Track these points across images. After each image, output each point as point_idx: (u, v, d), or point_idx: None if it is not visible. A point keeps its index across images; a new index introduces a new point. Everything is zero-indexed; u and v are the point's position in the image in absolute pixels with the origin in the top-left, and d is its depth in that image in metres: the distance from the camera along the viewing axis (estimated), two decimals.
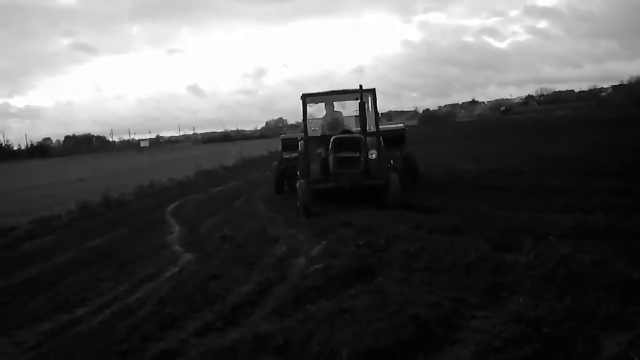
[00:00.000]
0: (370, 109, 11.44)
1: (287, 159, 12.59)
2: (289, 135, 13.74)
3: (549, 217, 7.62)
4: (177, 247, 8.52)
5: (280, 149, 13.35)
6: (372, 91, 11.40)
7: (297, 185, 10.29)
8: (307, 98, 11.13)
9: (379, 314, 4.45)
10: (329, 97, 11.88)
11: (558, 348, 3.46)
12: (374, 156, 10.17)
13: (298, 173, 11.41)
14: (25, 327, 5.67)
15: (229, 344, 4.40)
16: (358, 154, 9.99)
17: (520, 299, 4.56)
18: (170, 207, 13.14)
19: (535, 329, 3.72)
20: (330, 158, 10.16)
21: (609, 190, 9.14)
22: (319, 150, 10.98)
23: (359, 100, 10.45)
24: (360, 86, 10.40)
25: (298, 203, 10.20)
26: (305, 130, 11.05)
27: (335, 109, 12.36)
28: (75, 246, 9.47)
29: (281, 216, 10.25)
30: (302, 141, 11.15)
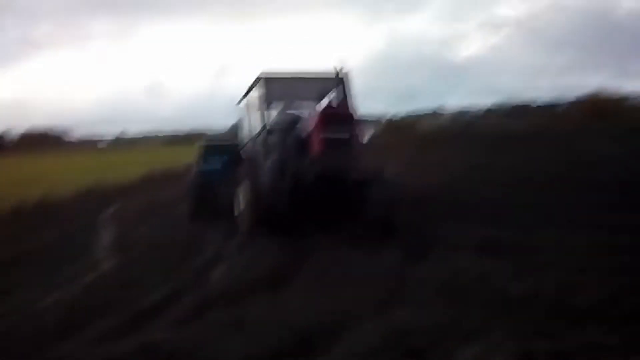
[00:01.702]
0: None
1: (208, 172, 10.24)
2: (214, 139, 11.93)
3: (465, 231, 7.87)
4: (102, 253, 8.52)
5: (198, 159, 10.90)
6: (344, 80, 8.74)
7: (240, 195, 8.43)
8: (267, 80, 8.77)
9: (268, 325, 4.61)
10: (292, 83, 9.33)
11: (415, 358, 3.67)
12: (365, 140, 8.23)
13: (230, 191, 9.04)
14: None
15: (118, 354, 4.48)
16: (349, 136, 7.81)
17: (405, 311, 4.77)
18: (109, 210, 13.04)
19: (401, 340, 3.93)
20: (314, 139, 7.77)
21: (531, 205, 9.47)
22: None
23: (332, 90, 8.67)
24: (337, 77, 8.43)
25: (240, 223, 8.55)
26: (264, 116, 8.76)
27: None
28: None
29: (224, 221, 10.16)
30: (255, 137, 8.88)
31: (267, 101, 8.72)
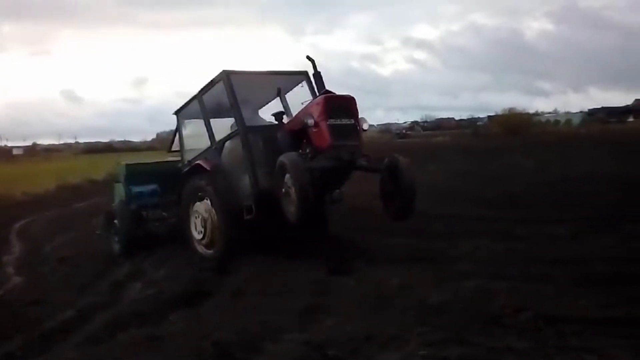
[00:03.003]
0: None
1: (137, 197, 8.69)
2: (136, 164, 9.62)
3: (391, 242, 8.03)
4: (10, 269, 8.00)
5: (120, 184, 9.10)
6: (315, 77, 7.67)
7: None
8: (231, 76, 7.71)
9: (187, 340, 4.48)
10: (260, 80, 8.43)
11: None
12: (366, 127, 7.39)
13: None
14: None
15: None
16: (353, 121, 7.10)
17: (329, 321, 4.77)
18: (18, 225, 12.29)
19: (321, 351, 3.93)
20: (319, 129, 6.80)
21: (452, 217, 9.81)
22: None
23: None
24: (316, 71, 7.55)
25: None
26: (238, 112, 7.50)
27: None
28: None
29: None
30: (234, 136, 7.67)
31: (236, 100, 7.56)
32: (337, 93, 7.18)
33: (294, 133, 7.13)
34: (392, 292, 5.34)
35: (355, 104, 7.08)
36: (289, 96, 8.47)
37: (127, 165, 9.22)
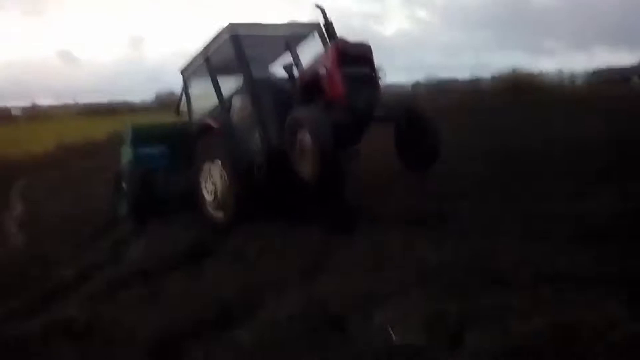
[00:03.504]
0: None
1: (144, 160, 8.37)
2: (143, 125, 9.53)
3: (389, 201, 8.02)
4: (12, 228, 8.05)
5: (128, 144, 8.72)
6: (327, 27, 7.14)
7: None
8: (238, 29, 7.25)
9: (188, 298, 4.53)
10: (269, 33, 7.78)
11: (334, 324, 3.72)
12: (382, 76, 6.78)
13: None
14: None
15: (28, 332, 4.26)
16: (370, 70, 6.60)
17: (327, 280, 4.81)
18: (19, 184, 12.32)
19: (322, 308, 3.97)
20: (332, 79, 6.32)
21: (450, 176, 9.77)
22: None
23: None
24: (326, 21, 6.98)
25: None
26: (247, 66, 7.10)
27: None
28: None
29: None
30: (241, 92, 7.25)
31: (243, 53, 7.12)
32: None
33: (306, 86, 6.66)
34: (393, 251, 5.37)
35: (372, 52, 6.57)
36: (301, 50, 7.96)
37: (133, 126, 8.90)
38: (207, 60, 7.62)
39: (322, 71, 6.35)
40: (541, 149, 11.38)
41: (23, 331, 4.27)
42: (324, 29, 7.16)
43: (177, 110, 8.76)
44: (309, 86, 6.58)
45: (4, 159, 16.53)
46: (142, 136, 8.59)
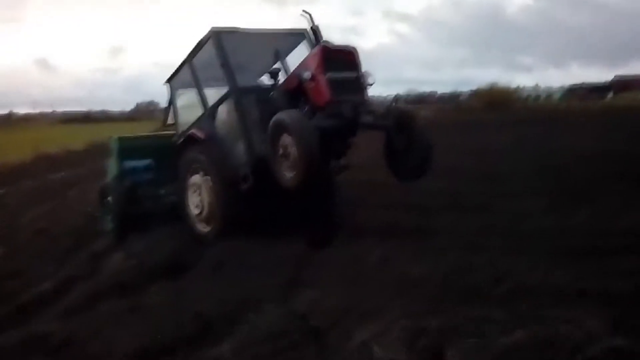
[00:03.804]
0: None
1: (130, 173, 8.08)
2: (129, 137, 9.00)
3: (369, 215, 8.06)
4: None
5: (114, 159, 8.29)
6: (314, 32, 6.89)
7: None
8: (221, 35, 7.01)
9: (167, 312, 4.49)
10: (254, 40, 7.52)
11: (314, 339, 3.72)
12: (371, 81, 6.45)
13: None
14: None
15: (3, 346, 4.18)
16: (356, 74, 6.30)
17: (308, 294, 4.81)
18: None
19: (302, 322, 3.97)
20: (316, 84, 6.06)
21: (430, 190, 9.88)
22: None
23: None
24: (313, 26, 6.77)
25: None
26: (229, 72, 6.83)
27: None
28: None
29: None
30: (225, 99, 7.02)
31: (227, 59, 6.85)
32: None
33: (291, 92, 6.43)
34: (372, 265, 5.39)
35: (357, 56, 6.34)
36: (288, 59, 7.68)
37: (119, 138, 8.54)
38: (191, 68, 7.41)
39: (306, 74, 6.11)
40: (519, 164, 11.62)
41: (0, 345, 4.18)
42: (311, 35, 6.89)
43: (165, 122, 8.52)
44: (294, 92, 6.35)
45: None
46: (128, 149, 8.27)
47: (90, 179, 14.31)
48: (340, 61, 6.22)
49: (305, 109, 6.18)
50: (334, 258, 5.79)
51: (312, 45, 6.90)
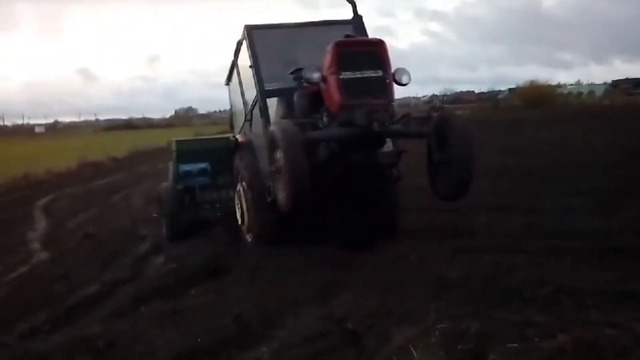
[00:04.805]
0: None
1: (187, 176, 7.95)
2: (187, 140, 9.04)
3: (408, 216, 7.98)
4: (35, 245, 8.18)
5: (174, 162, 8.21)
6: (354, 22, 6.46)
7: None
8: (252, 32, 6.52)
9: (207, 314, 4.56)
10: (291, 34, 6.88)
11: (352, 342, 3.72)
12: (406, 80, 5.50)
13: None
14: None
15: (51, 348, 4.32)
16: (381, 73, 5.35)
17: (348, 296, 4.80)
18: (42, 202, 12.52)
19: (340, 325, 3.97)
20: (334, 81, 5.27)
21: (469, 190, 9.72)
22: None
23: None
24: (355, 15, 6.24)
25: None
26: (257, 73, 6.33)
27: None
28: None
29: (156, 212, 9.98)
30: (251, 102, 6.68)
31: (256, 58, 6.36)
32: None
33: (313, 94, 5.74)
34: (410, 267, 5.36)
35: (384, 50, 5.42)
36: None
37: (177, 141, 8.49)
38: (236, 68, 7.07)
39: (315, 76, 5.44)
40: (562, 162, 11.33)
41: (46, 347, 4.33)
42: (352, 26, 6.27)
43: (231, 125, 8.27)
44: (315, 95, 5.67)
45: (27, 176, 16.83)
46: (185, 152, 8.20)
47: (132, 184, 14.72)
48: (361, 58, 5.34)
49: (324, 116, 5.56)
50: (371, 260, 5.79)
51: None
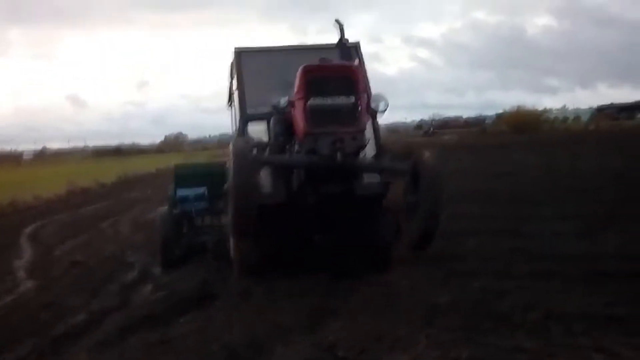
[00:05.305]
0: None
1: (184, 202, 7.77)
2: (186, 165, 8.93)
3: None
4: (21, 273, 8.06)
5: (173, 186, 8.09)
6: (355, 47, 6.44)
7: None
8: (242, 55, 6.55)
9: (196, 342, 4.52)
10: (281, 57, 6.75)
11: None
12: (382, 107, 5.31)
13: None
14: None
15: None
16: (353, 99, 5.10)
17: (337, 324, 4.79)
18: (29, 229, 12.37)
19: (330, 352, 3.95)
20: (300, 107, 5.11)
21: (457, 215, 9.77)
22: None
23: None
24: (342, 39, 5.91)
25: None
26: (241, 96, 6.31)
27: None
28: None
29: (144, 239, 9.95)
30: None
31: (242, 81, 6.29)
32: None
33: (288, 120, 5.46)
34: (400, 293, 5.36)
35: (357, 75, 5.22)
36: None
37: (175, 166, 8.43)
38: (230, 91, 7.04)
39: (282, 101, 5.23)
40: (548, 187, 11.46)
41: None
42: (338, 49, 5.99)
43: None
44: (289, 121, 5.39)
45: (14, 203, 16.67)
46: (183, 176, 8.09)
47: (121, 211, 14.62)
48: (332, 83, 5.09)
49: (295, 143, 5.34)
50: (361, 286, 5.78)
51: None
